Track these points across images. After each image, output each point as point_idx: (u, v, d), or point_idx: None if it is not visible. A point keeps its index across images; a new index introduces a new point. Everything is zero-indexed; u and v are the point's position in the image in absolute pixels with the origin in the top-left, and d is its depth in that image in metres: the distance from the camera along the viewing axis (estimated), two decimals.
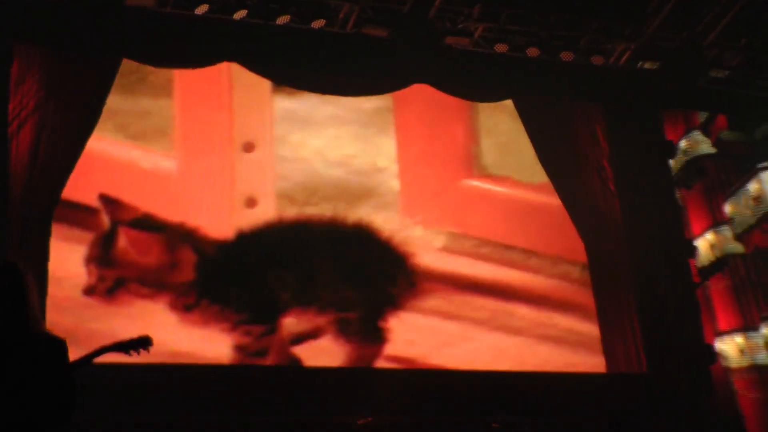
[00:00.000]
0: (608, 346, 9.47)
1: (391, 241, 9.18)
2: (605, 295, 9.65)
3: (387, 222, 9.32)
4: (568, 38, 9.55)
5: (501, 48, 9.25)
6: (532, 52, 9.31)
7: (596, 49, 9.68)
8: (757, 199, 10.86)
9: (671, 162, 10.47)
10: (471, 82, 9.46)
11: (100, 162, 8.55)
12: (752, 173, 10.88)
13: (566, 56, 9.51)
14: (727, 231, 10.70)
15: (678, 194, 10.44)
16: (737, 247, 10.67)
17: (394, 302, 8.96)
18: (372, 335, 8.81)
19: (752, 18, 9.79)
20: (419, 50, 9.00)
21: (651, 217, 9.90)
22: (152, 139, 8.84)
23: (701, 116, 10.98)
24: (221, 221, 8.77)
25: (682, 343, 9.51)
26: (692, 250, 10.17)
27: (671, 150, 10.47)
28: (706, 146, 10.89)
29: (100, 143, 8.55)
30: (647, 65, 10.04)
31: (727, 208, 10.81)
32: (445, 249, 9.45)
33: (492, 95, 9.75)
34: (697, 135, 10.87)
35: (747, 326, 10.50)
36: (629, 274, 9.70)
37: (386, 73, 9.23)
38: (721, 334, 10.39)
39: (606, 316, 9.56)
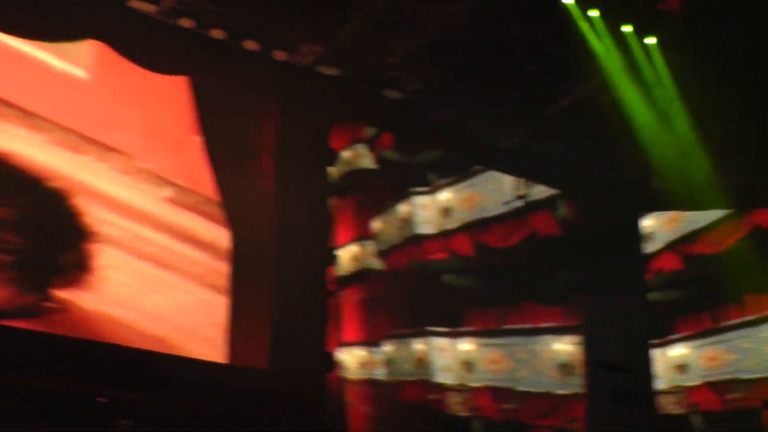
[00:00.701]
0: (235, 336, 10.56)
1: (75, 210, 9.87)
2: (242, 286, 10.74)
3: (117, 165, 10.13)
4: (256, 28, 10.63)
5: (187, 23, 10.18)
6: (217, 33, 10.36)
7: (282, 44, 10.90)
8: (405, 221, 12.70)
9: (331, 169, 11.81)
10: (151, 51, 10.23)
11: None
12: (405, 195, 12.76)
13: (250, 45, 10.67)
14: (370, 246, 12.40)
15: (331, 202, 11.71)
16: (377, 264, 12.40)
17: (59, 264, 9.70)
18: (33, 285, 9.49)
19: (433, 48, 11.55)
20: (100, 6, 9.75)
21: (301, 219, 11.03)
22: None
23: (369, 131, 12.65)
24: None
25: (306, 346, 10.70)
26: (333, 258, 11.51)
27: (333, 158, 11.87)
28: (367, 161, 12.55)
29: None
30: (329, 71, 11.39)
31: (376, 224, 12.52)
32: (171, 200, 10.50)
33: (170, 68, 10.55)
34: (361, 148, 12.51)
35: (371, 341, 12.26)
36: (269, 270, 10.85)
37: (65, 22, 9.76)
38: (345, 344, 12.03)
39: (239, 306, 10.64)
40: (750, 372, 13.25)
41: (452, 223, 13.18)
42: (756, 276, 13.08)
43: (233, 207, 10.87)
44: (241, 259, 10.85)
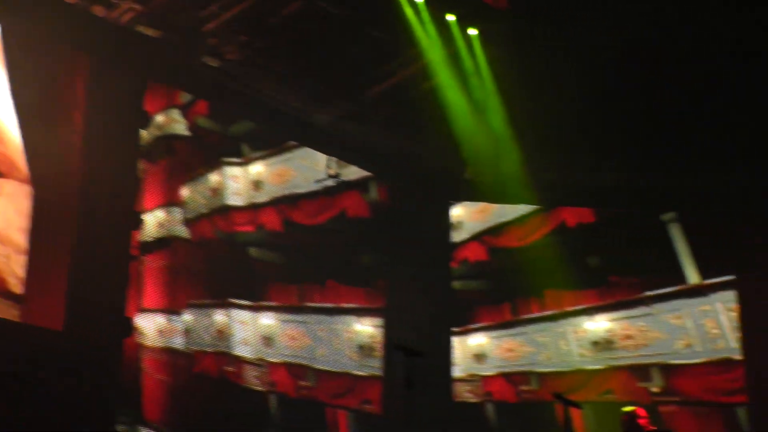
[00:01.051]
0: (31, 295, 10.54)
1: None
2: (41, 243, 10.71)
3: None
4: None
5: None
6: None
7: None
8: (215, 190, 13.02)
9: (143, 132, 11.96)
10: None
11: None
12: (217, 165, 13.11)
13: None
14: (177, 213, 12.64)
15: (141, 166, 11.88)
16: (183, 231, 12.67)
17: None
18: None
19: (255, 19, 11.90)
20: None
21: (108, 179, 11.13)
22: None
23: (184, 96, 12.90)
24: None
25: (104, 310, 10.81)
26: (138, 223, 11.69)
27: (146, 120, 12.02)
28: (180, 126, 12.82)
29: None
30: (147, 31, 11.56)
31: (185, 192, 12.78)
32: None
33: None
34: (175, 113, 12.77)
35: (171, 309, 12.51)
36: (71, 230, 10.91)
37: None
38: (144, 311, 12.24)
39: (36, 265, 10.62)
40: (545, 365, 14.27)
41: (262, 197, 13.57)
42: (557, 272, 14.06)
43: (37, 162, 10.84)
44: (41, 216, 10.83)
